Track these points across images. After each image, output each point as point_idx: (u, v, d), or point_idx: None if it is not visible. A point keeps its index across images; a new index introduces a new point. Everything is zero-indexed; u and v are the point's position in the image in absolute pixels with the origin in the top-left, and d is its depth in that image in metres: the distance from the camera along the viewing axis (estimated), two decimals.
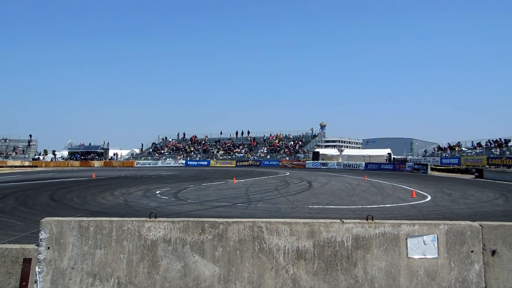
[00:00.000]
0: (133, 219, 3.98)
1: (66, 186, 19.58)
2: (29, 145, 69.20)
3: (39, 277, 3.69)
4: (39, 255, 3.75)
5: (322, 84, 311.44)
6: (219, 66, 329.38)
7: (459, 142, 46.95)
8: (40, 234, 3.80)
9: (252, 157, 60.64)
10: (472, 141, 45.24)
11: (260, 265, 3.86)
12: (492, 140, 41.29)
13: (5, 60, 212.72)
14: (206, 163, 60.22)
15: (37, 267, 3.71)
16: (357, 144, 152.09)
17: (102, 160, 66.65)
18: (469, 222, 4.04)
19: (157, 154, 68.64)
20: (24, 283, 3.66)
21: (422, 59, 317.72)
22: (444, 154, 47.01)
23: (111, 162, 65.19)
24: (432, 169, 38.91)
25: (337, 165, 49.25)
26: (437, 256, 3.89)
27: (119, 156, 71.46)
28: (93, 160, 66.11)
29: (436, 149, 52.53)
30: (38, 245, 3.80)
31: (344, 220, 4.03)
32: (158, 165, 61.04)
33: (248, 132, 70.64)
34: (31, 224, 8.79)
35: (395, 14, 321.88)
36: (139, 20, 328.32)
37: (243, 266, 3.85)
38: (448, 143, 48.74)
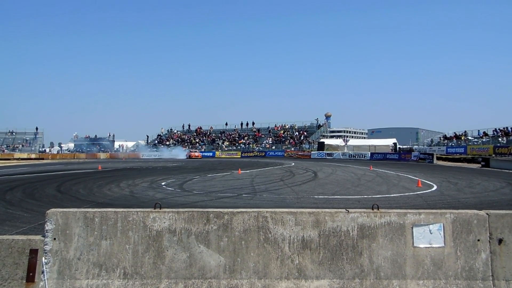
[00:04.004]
0: (138, 210, 3.98)
1: (73, 178, 19.70)
2: (35, 137, 69.75)
3: (45, 268, 3.72)
4: (45, 246, 3.77)
5: (327, 75, 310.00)
6: (223, 57, 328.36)
7: (465, 131, 46.54)
8: (46, 225, 3.83)
9: (257, 148, 60.66)
10: (479, 130, 44.78)
11: (265, 255, 3.86)
12: (499, 129, 40.83)
13: (11, 53, 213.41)
14: (211, 154, 60.35)
15: (43, 258, 3.74)
16: (362, 134, 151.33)
17: (108, 152, 67.01)
18: (475, 211, 4.01)
19: (162, 146, 68.84)
20: (31, 274, 3.69)
21: (428, 48, 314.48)
22: (450, 144, 46.58)
23: (116, 154, 65.54)
24: (438, 158, 38.60)
25: (342, 155, 49.09)
26: (443, 245, 3.87)
27: (124, 148, 71.86)
28: (99, 152, 66.50)
29: (442, 138, 52.05)
30: (44, 236, 3.82)
31: (350, 210, 4.01)
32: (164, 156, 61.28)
33: (253, 123, 70.71)
34: (38, 216, 8.84)
35: (399, 4, 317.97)
36: (142, 12, 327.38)
37: (249, 256, 3.85)
38: (454, 132, 48.22)
